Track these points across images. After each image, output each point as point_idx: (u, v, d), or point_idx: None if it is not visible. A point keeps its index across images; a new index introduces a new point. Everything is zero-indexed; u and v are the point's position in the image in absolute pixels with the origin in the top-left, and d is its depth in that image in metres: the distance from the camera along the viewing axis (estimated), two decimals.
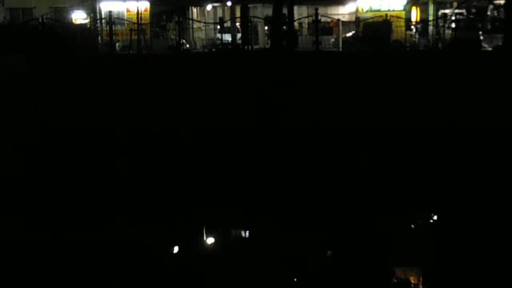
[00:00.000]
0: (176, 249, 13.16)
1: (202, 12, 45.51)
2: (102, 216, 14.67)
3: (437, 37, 29.94)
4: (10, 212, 14.84)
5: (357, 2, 38.08)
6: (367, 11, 36.32)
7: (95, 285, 11.00)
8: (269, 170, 17.85)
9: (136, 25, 28.67)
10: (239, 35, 34.26)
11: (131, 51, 27.23)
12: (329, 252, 12.75)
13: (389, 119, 19.09)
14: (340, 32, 34.12)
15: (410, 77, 19.53)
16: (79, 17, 37.14)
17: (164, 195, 16.25)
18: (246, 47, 28.47)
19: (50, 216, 14.73)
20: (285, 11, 27.26)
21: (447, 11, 36.60)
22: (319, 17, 24.12)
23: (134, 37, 27.90)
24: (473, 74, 19.34)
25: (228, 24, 38.29)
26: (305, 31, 34.76)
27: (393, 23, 30.19)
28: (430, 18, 36.17)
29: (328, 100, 19.42)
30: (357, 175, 17.39)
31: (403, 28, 31.85)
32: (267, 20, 34.63)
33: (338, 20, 34.20)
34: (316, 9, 23.98)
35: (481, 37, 29.87)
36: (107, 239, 12.94)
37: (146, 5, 36.87)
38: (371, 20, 31.50)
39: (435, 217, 15.38)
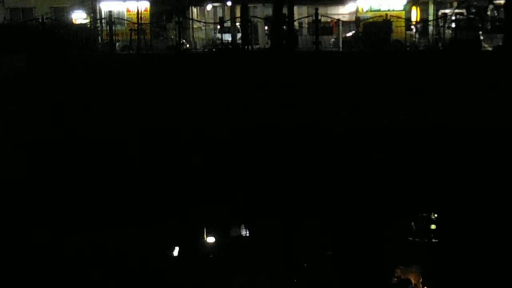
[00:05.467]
0: (176, 249, 13.16)
1: (202, 12, 45.49)
2: (102, 216, 14.68)
3: (437, 37, 29.92)
4: (10, 212, 14.85)
5: (357, 2, 38.07)
6: (367, 11, 36.31)
7: (95, 285, 11.00)
8: (269, 170, 17.87)
9: (136, 25, 28.66)
10: (239, 35, 34.23)
11: (131, 51, 27.21)
12: (329, 252, 12.75)
13: (388, 119, 19.13)
14: (340, 32, 34.07)
15: (410, 77, 19.55)
16: (79, 17, 37.11)
17: (164, 195, 16.26)
18: (246, 47, 28.44)
19: (50, 216, 14.74)
20: (285, 11, 27.25)
21: (447, 11, 36.57)
22: (319, 17, 24.11)
23: (134, 37, 27.88)
24: (473, 74, 19.36)
25: (228, 24, 38.27)
26: (305, 31, 34.75)
27: (393, 23, 30.15)
28: (430, 18, 36.15)
29: (328, 99, 19.44)
30: (357, 175, 17.41)
31: (403, 28, 31.82)
32: (267, 20, 34.62)
33: (338, 20, 34.16)
34: (316, 9, 23.97)
35: (481, 37, 29.84)
36: (106, 239, 12.95)
37: (146, 5, 36.86)
38: (371, 20, 31.47)
39: (435, 217, 15.38)
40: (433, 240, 13.51)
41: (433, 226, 14.83)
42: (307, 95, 19.49)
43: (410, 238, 13.52)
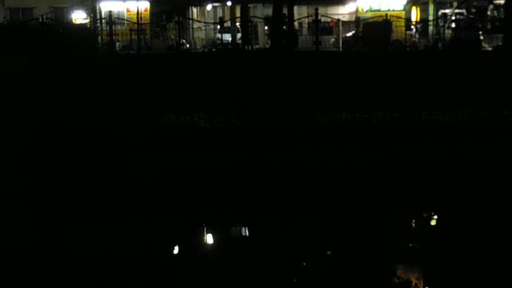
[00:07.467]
0: (176, 249, 13.17)
1: (202, 12, 45.50)
2: (102, 216, 14.70)
3: (437, 37, 29.92)
4: (11, 212, 14.87)
5: (357, 2, 38.05)
6: (367, 11, 36.28)
7: (95, 285, 11.01)
8: (269, 170, 17.89)
9: (136, 25, 28.64)
10: (239, 35, 34.23)
11: (131, 51, 27.20)
12: (329, 252, 12.76)
13: (388, 119, 19.17)
14: (340, 32, 34.06)
15: (410, 77, 19.55)
16: (79, 17, 37.11)
17: (165, 195, 16.29)
18: (246, 47, 28.46)
19: (50, 216, 14.76)
20: (285, 11, 27.24)
21: (447, 11, 36.58)
22: (319, 17, 24.08)
23: (134, 37, 27.86)
24: (473, 74, 19.37)
25: (228, 24, 38.26)
26: (305, 31, 34.72)
27: (393, 23, 30.12)
28: (430, 18, 36.14)
29: (328, 99, 19.45)
30: (358, 175, 17.44)
31: (403, 28, 31.78)
32: (267, 20, 34.60)
33: (338, 20, 34.14)
34: (316, 9, 23.94)
35: (481, 37, 29.85)
36: (107, 239, 12.96)
37: (146, 5, 36.84)
38: (371, 20, 31.46)
39: (435, 217, 15.39)
40: (433, 240, 13.51)
41: (433, 226, 14.84)
42: (306, 94, 19.50)
43: (410, 238, 13.54)
